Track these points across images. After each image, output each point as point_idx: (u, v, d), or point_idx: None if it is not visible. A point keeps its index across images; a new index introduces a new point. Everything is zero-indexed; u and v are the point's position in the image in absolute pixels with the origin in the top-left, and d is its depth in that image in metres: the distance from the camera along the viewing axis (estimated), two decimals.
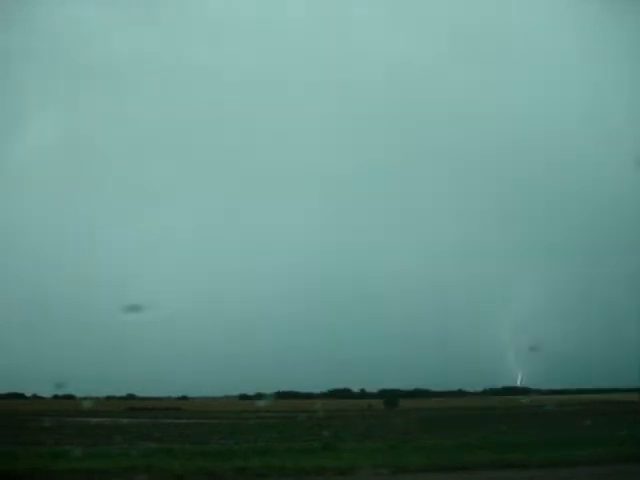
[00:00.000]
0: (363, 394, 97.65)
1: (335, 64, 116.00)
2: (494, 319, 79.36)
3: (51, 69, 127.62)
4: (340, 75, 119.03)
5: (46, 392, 76.81)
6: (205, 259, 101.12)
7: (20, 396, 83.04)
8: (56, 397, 69.06)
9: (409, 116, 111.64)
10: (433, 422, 43.20)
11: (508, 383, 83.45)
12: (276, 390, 63.64)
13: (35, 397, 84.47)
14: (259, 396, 62.98)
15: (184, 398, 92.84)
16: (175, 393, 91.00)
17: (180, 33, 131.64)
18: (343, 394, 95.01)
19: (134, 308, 21.19)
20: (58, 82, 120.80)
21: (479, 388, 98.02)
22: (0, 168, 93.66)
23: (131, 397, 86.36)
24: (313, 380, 74.44)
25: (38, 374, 61.80)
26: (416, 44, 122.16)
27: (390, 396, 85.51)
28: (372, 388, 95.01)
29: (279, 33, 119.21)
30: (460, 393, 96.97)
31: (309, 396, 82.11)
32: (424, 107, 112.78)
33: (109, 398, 77.20)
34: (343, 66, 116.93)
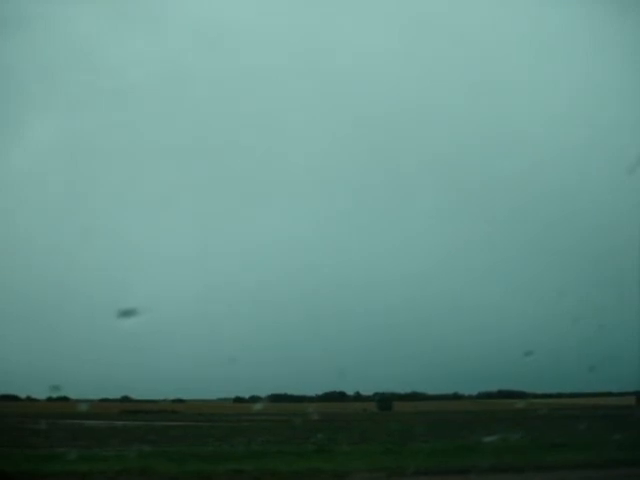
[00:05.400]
0: (358, 397, 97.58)
1: (336, 64, 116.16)
2: (490, 322, 79.36)
3: (50, 71, 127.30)
4: (338, 77, 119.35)
5: (40, 394, 76.43)
6: (203, 262, 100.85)
7: (14, 398, 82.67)
8: (50, 399, 68.78)
9: (410, 120, 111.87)
10: (428, 425, 43.16)
11: (503, 387, 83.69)
12: (270, 393, 63.52)
13: (29, 399, 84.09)
14: (254, 399, 62.85)
15: (179, 401, 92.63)
16: (170, 396, 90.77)
17: (181, 36, 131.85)
18: (338, 397, 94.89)
19: (130, 311, 21.14)
20: (58, 83, 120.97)
21: (474, 391, 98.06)
22: None
23: (126, 400, 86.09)
24: (308, 383, 74.27)
25: (33, 376, 61.51)
26: (416, 47, 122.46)
27: (384, 399, 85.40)
28: (367, 391, 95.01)
29: (279, 34, 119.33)
30: (455, 396, 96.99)
31: (304, 399, 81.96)
32: (424, 112, 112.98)
33: (104, 400, 76.91)
34: (342, 67, 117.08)
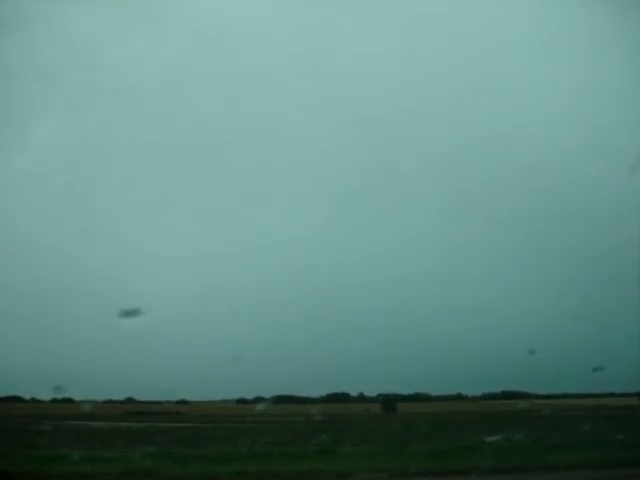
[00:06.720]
0: (362, 398, 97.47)
1: (336, 64, 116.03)
2: (491, 323, 79.31)
3: (50, 71, 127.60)
4: (338, 77, 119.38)
5: (44, 395, 76.55)
6: (203, 262, 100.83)
7: (18, 399, 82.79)
8: (55, 400, 68.91)
9: (410, 120, 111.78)
10: (431, 426, 43.16)
11: (507, 387, 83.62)
12: (274, 394, 63.58)
13: (33, 400, 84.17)
14: (257, 400, 62.85)
15: (183, 402, 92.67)
16: (174, 397, 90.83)
17: (181, 36, 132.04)
18: (341, 398, 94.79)
19: (131, 311, 21.24)
20: (58, 83, 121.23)
21: (478, 392, 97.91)
22: None
23: (130, 401, 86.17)
24: (311, 384, 74.22)
25: (36, 377, 61.63)
26: (416, 47, 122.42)
27: (388, 400, 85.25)
28: (371, 392, 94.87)
29: (279, 34, 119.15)
30: (459, 397, 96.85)
31: (307, 400, 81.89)
32: (424, 112, 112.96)
33: (108, 402, 77.04)
34: (342, 67, 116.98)
